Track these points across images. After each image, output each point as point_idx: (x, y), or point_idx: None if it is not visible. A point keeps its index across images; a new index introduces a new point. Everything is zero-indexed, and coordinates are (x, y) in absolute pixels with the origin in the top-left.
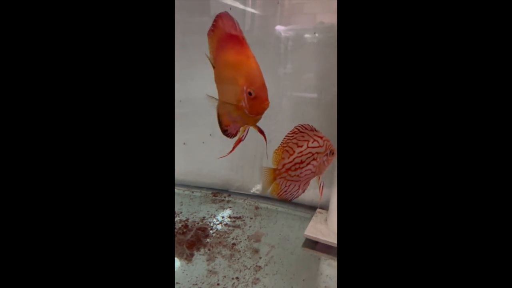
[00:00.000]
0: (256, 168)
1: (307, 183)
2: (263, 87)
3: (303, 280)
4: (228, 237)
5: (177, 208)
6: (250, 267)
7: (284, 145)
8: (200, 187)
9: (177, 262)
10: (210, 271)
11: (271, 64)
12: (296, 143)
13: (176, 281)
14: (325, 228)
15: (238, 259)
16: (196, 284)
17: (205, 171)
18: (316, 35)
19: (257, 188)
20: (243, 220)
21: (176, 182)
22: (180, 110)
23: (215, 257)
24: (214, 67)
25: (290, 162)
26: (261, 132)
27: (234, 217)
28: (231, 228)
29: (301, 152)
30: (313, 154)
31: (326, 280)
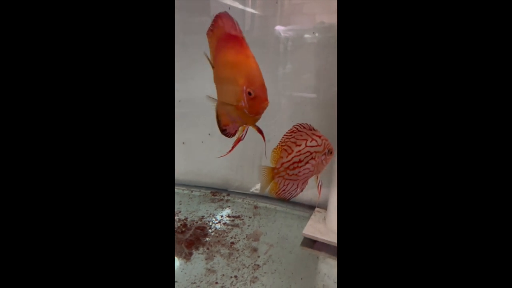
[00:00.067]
0: (255, 167)
1: (305, 182)
2: (263, 87)
3: (301, 278)
4: (227, 236)
5: (176, 207)
6: (249, 265)
7: (283, 144)
8: (199, 187)
9: (176, 261)
10: (209, 269)
11: (271, 64)
12: (295, 142)
13: (174, 279)
14: (324, 227)
15: (237, 258)
16: (195, 282)
17: (204, 170)
18: (316, 35)
19: (256, 188)
20: (242, 219)
21: (175, 181)
22: (179, 110)
23: (214, 256)
24: (213, 67)
25: (289, 161)
26: (260, 131)
27: (233, 216)
28: (230, 227)
29: (299, 151)
30: (311, 153)
31: (324, 278)
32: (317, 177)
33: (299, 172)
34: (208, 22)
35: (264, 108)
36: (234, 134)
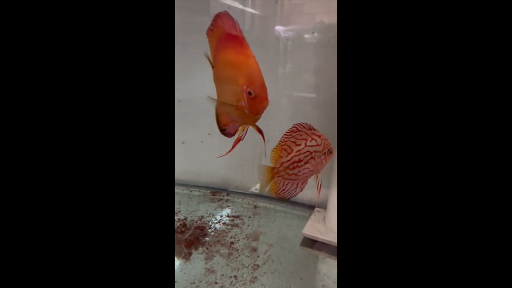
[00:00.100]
0: (255, 167)
1: (305, 181)
2: (263, 86)
3: (301, 278)
4: (227, 236)
5: (175, 207)
6: (248, 265)
7: (282, 143)
8: (199, 186)
9: (175, 261)
10: (208, 269)
11: (271, 64)
12: (294, 142)
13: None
14: (323, 227)
15: (236, 257)
16: (194, 282)
17: (204, 170)
18: (315, 34)
19: (256, 187)
20: (242, 219)
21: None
22: (179, 109)
23: (213, 256)
24: (213, 67)
25: (288, 160)
26: (260, 131)
27: (233, 216)
28: (229, 227)
29: (299, 150)
30: (311, 153)
31: (324, 278)
32: (317, 177)
33: (298, 171)
34: (208, 22)
35: (264, 108)
36: (233, 134)
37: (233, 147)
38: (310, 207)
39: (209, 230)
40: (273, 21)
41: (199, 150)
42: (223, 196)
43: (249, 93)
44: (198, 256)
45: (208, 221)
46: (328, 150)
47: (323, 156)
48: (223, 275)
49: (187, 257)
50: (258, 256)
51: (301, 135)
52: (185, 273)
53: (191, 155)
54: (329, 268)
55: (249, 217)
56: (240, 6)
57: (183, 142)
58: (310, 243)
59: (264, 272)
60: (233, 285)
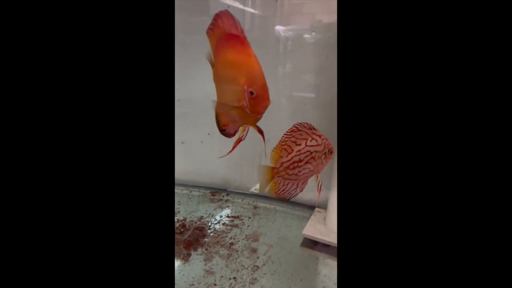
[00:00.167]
0: (255, 167)
1: (305, 182)
2: (265, 86)
3: (301, 280)
4: (226, 236)
5: (175, 207)
6: (248, 267)
7: (283, 143)
8: (198, 187)
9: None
10: (207, 271)
11: (271, 64)
12: (295, 142)
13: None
14: (324, 227)
15: (236, 259)
16: (193, 284)
17: (203, 170)
18: (313, 33)
19: (255, 187)
20: (241, 219)
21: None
22: (179, 109)
23: (213, 257)
24: (213, 67)
25: (289, 160)
26: (260, 132)
27: (232, 217)
28: (229, 227)
29: (299, 150)
30: (311, 153)
31: (324, 280)
32: (317, 177)
33: (299, 171)
34: (208, 22)
35: (266, 108)
36: (233, 134)
37: (234, 147)
38: (310, 207)
39: (209, 231)
40: (273, 21)
41: (198, 150)
42: (223, 197)
43: (251, 92)
44: (197, 257)
45: (208, 222)
46: (328, 150)
47: (323, 156)
48: (222, 276)
49: (186, 258)
50: (258, 257)
51: (301, 134)
52: (184, 274)
53: (190, 155)
54: (329, 269)
55: (249, 218)
56: (240, 6)
57: (182, 142)
58: (311, 243)
59: (264, 273)
60: (232, 287)
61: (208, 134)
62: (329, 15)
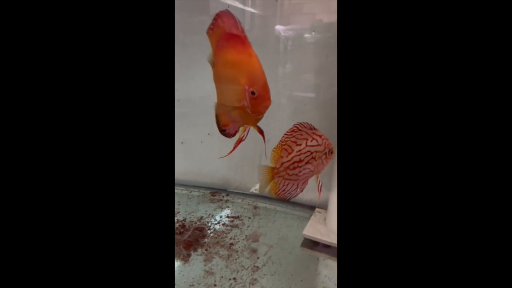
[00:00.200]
0: (255, 167)
1: (305, 182)
2: (266, 86)
3: (301, 280)
4: (226, 237)
5: (174, 207)
6: (248, 267)
7: (283, 143)
8: (198, 187)
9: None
10: (207, 271)
11: (271, 63)
12: (295, 142)
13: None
14: (324, 227)
15: (236, 259)
16: (193, 285)
17: (203, 170)
18: (313, 33)
19: (256, 188)
20: (241, 219)
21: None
22: (179, 109)
23: (212, 258)
24: (213, 67)
25: (289, 161)
26: (261, 132)
27: (232, 217)
28: (229, 228)
29: (299, 150)
30: (311, 153)
31: (325, 280)
32: (317, 177)
33: (299, 172)
34: (207, 21)
35: (267, 108)
36: (234, 135)
37: (234, 147)
38: (311, 207)
39: (208, 231)
40: (273, 20)
41: (198, 150)
42: (223, 197)
43: (252, 92)
44: (197, 257)
45: (208, 222)
46: (329, 150)
47: (324, 156)
48: (222, 277)
49: (186, 258)
50: (258, 258)
51: (301, 134)
52: (183, 275)
53: (190, 155)
54: (330, 269)
55: (249, 218)
56: (240, 6)
57: (182, 142)
58: (311, 244)
59: (264, 274)
60: (232, 287)
61: (208, 134)
62: (329, 15)
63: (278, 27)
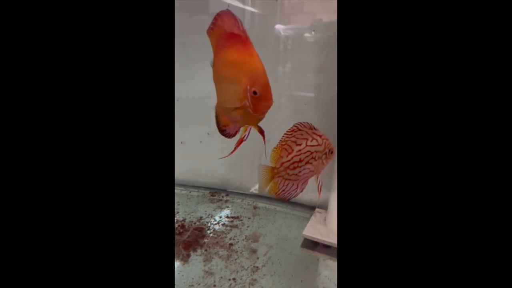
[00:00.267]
0: (255, 167)
1: (305, 182)
2: (268, 86)
3: (301, 281)
4: (226, 237)
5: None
6: (248, 267)
7: (283, 143)
8: (197, 187)
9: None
10: (207, 272)
11: (271, 63)
12: (295, 142)
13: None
14: (324, 228)
15: (235, 259)
16: (192, 285)
17: (203, 170)
18: (313, 32)
19: (255, 188)
20: (241, 220)
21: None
22: (178, 109)
23: (212, 258)
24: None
25: (289, 160)
26: (262, 132)
27: (232, 217)
28: (228, 228)
29: (299, 150)
30: (312, 153)
31: (325, 281)
32: (317, 177)
33: (299, 172)
34: (207, 21)
35: (269, 108)
36: (234, 135)
37: (235, 148)
38: (311, 208)
39: (208, 232)
40: (273, 20)
41: (198, 150)
42: (222, 197)
43: (254, 92)
44: (196, 258)
45: (207, 222)
46: (329, 150)
47: (324, 156)
48: (222, 277)
49: (185, 259)
50: (258, 258)
51: (302, 134)
52: (183, 275)
53: (190, 155)
54: (330, 270)
55: (249, 218)
56: (240, 5)
57: (182, 142)
58: (311, 244)
59: (264, 274)
60: None
61: (208, 134)
62: (329, 14)
63: (278, 26)
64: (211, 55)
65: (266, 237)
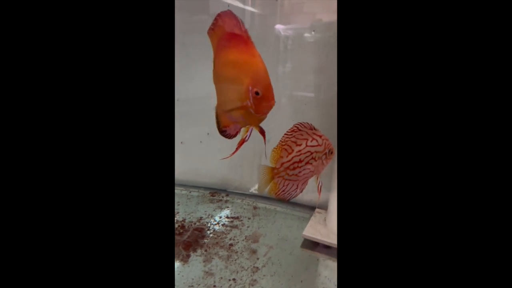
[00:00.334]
0: (255, 167)
1: (305, 182)
2: (269, 86)
3: (301, 281)
4: (226, 237)
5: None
6: (248, 268)
7: (283, 143)
8: (197, 187)
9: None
10: (207, 272)
11: (271, 63)
12: (295, 142)
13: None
14: (324, 228)
15: (235, 260)
16: (192, 286)
17: (203, 170)
18: (313, 32)
19: (255, 188)
20: (241, 220)
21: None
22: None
23: (212, 258)
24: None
25: (289, 161)
26: (262, 132)
27: (232, 217)
28: (228, 228)
29: (299, 151)
30: (312, 153)
31: (325, 281)
32: (317, 178)
33: (299, 172)
34: (207, 21)
35: (271, 108)
36: (234, 136)
37: (237, 148)
38: (311, 208)
39: (208, 232)
40: (273, 20)
41: (198, 150)
42: (222, 197)
43: (256, 93)
44: (196, 258)
45: (207, 223)
46: (329, 151)
47: (324, 157)
48: (222, 278)
49: (185, 259)
50: (258, 258)
51: (302, 135)
52: (183, 276)
53: (190, 155)
54: (330, 270)
55: (249, 218)
56: (240, 5)
57: (181, 142)
58: (311, 245)
59: (264, 275)
60: None
61: (208, 134)
62: (329, 14)
63: (278, 26)
64: (211, 55)
65: (266, 237)
